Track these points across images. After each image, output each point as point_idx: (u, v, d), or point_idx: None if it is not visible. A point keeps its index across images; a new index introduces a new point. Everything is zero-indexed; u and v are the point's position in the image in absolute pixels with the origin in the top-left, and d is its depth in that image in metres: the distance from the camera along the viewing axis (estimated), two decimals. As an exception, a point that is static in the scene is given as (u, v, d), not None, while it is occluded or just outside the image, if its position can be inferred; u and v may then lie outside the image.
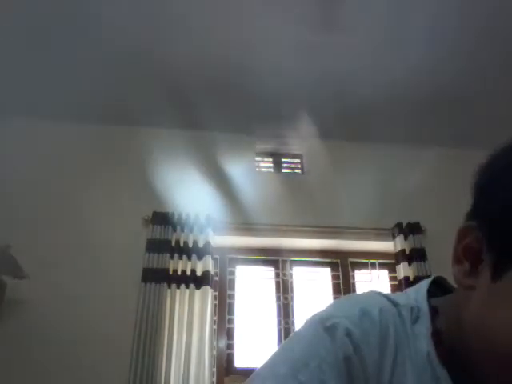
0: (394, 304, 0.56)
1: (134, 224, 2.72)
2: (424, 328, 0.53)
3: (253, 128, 3.04)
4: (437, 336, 0.52)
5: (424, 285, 0.59)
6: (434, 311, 0.55)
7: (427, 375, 0.50)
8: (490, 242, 0.49)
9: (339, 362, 0.49)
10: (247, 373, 2.78)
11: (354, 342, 0.50)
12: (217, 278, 2.74)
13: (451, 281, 0.62)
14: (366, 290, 0.62)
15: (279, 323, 2.69)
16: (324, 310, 0.56)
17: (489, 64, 2.64)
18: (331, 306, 0.58)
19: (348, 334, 0.50)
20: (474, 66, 2.65)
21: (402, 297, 0.58)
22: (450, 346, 0.52)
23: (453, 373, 0.50)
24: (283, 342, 0.58)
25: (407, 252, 2.74)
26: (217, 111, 2.92)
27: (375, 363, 0.50)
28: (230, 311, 2.71)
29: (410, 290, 0.60)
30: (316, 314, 0.56)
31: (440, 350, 0.51)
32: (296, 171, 3.18)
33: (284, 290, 2.80)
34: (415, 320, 0.54)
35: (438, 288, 0.61)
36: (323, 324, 0.52)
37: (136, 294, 2.46)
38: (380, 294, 0.59)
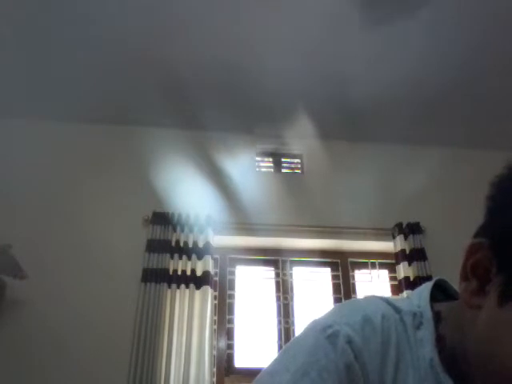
0: (397, 310, 0.55)
1: (134, 224, 2.71)
2: (427, 334, 0.53)
3: (253, 128, 3.04)
4: (440, 342, 0.52)
5: (426, 289, 0.58)
6: (436, 317, 0.54)
7: (430, 382, 0.50)
8: (500, 263, 0.47)
9: (340, 370, 0.49)
10: (247, 373, 2.77)
11: (355, 350, 0.50)
12: (217, 278, 2.74)
13: (451, 282, 0.62)
14: (368, 294, 0.61)
15: (279, 323, 2.69)
16: (326, 316, 0.56)
17: (488, 65, 2.64)
18: (333, 311, 0.58)
19: (349, 341, 0.50)
20: (474, 67, 2.65)
21: (404, 302, 0.58)
22: (451, 354, 0.51)
23: (454, 380, 0.50)
24: (284, 346, 0.57)
25: (407, 252, 2.74)
26: (217, 111, 2.92)
27: (376, 370, 0.50)
28: (230, 311, 2.70)
29: (413, 295, 0.60)
30: (318, 320, 0.55)
31: (443, 357, 0.51)
32: (296, 171, 3.18)
33: (284, 290, 2.80)
34: (418, 326, 0.54)
35: (440, 291, 0.60)
36: (325, 331, 0.52)
37: (136, 294, 2.46)
38: (382, 299, 0.58)
